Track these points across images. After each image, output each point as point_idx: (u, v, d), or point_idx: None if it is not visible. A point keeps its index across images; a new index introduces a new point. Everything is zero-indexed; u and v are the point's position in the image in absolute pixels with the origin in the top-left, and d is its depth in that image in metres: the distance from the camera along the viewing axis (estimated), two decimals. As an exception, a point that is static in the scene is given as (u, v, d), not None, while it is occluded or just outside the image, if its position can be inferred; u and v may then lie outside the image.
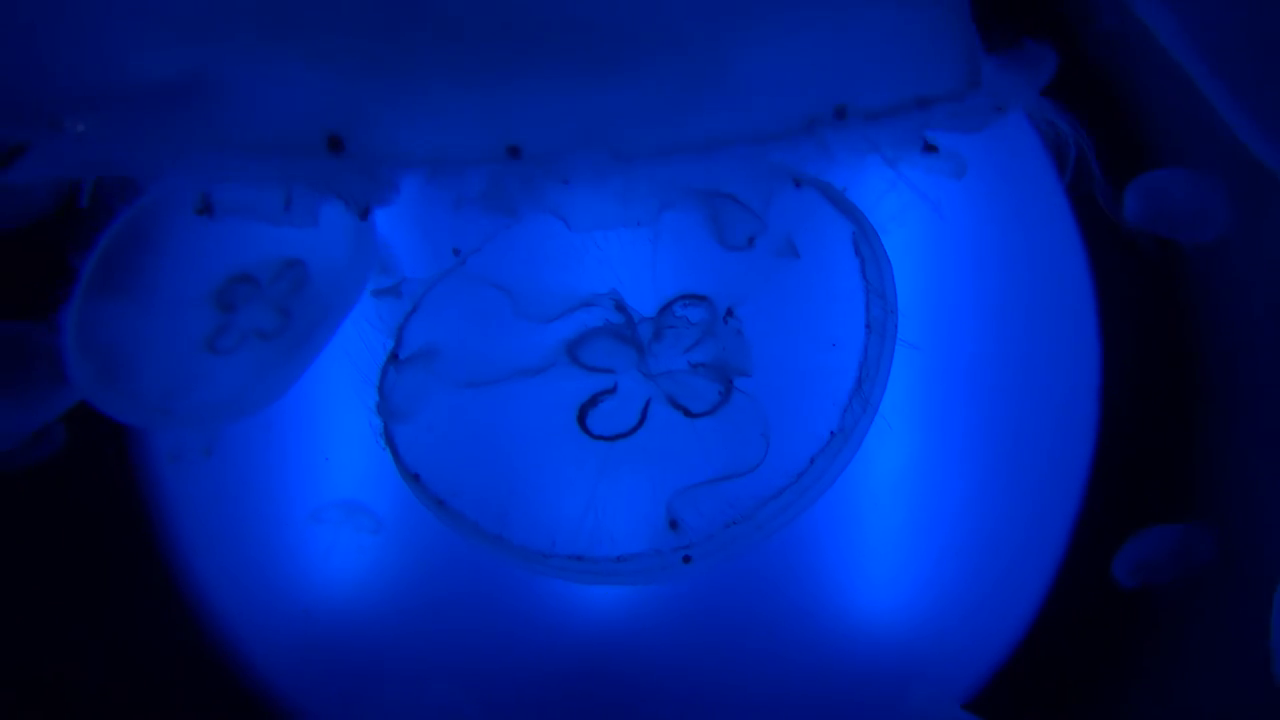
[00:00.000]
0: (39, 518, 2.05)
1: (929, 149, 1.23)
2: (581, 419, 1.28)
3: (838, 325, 1.27)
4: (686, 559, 1.19)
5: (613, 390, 1.29)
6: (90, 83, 1.07)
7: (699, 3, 1.13)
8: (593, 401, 1.29)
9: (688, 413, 1.28)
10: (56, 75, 1.07)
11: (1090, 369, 2.02)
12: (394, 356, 1.28)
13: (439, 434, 1.25)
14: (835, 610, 2.11)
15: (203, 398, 1.67)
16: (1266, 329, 1.79)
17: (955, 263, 2.01)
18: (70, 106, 1.07)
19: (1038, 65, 1.72)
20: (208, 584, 2.14)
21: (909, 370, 1.65)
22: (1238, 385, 1.95)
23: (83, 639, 2.09)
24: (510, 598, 2.13)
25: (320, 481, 2.16)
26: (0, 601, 2.01)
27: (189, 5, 1.07)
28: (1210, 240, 1.72)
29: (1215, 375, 2.00)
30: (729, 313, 1.27)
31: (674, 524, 1.20)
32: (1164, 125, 1.94)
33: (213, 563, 2.14)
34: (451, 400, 1.26)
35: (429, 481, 1.23)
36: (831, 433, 1.24)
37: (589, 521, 1.22)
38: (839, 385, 1.25)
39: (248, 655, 2.14)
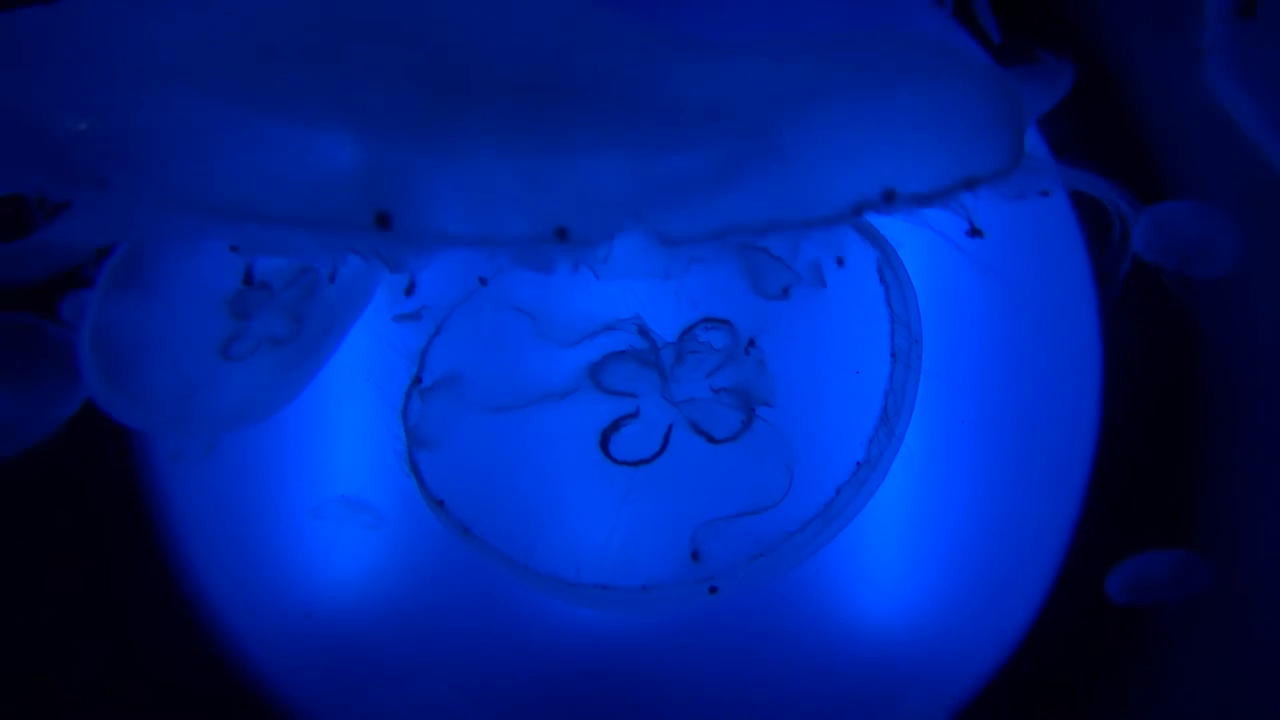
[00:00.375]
0: (40, 516, 2.03)
1: (975, 233, 1.22)
2: (604, 444, 1.28)
3: (862, 353, 1.27)
4: (713, 590, 1.20)
5: (635, 415, 1.29)
6: (146, 157, 1.06)
7: (751, 89, 1.12)
8: (615, 426, 1.28)
9: (710, 439, 1.27)
10: (116, 147, 1.05)
11: (1092, 384, 2.03)
12: (417, 380, 1.27)
13: (463, 459, 1.25)
14: (835, 613, 2.12)
15: (215, 404, 1.66)
16: (1272, 359, 1.79)
17: (959, 281, 2.01)
18: (126, 182, 1.05)
19: (1055, 80, 1.72)
20: (208, 582, 2.13)
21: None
22: (1240, 413, 1.96)
23: (83, 637, 2.08)
24: (509, 598, 2.13)
25: (322, 479, 2.15)
26: (1, 599, 2.00)
27: (246, 82, 1.06)
28: (1219, 275, 1.71)
29: (1218, 401, 2.00)
30: (751, 343, 1.26)
31: (697, 556, 1.20)
32: (1178, 156, 1.94)
33: (213, 561, 2.13)
34: (475, 425, 1.26)
35: (454, 508, 1.23)
36: (858, 463, 1.24)
37: (614, 550, 1.22)
38: (865, 415, 1.25)
39: (247, 653, 2.14)
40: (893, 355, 1.25)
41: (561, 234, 1.06)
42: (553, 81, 1.08)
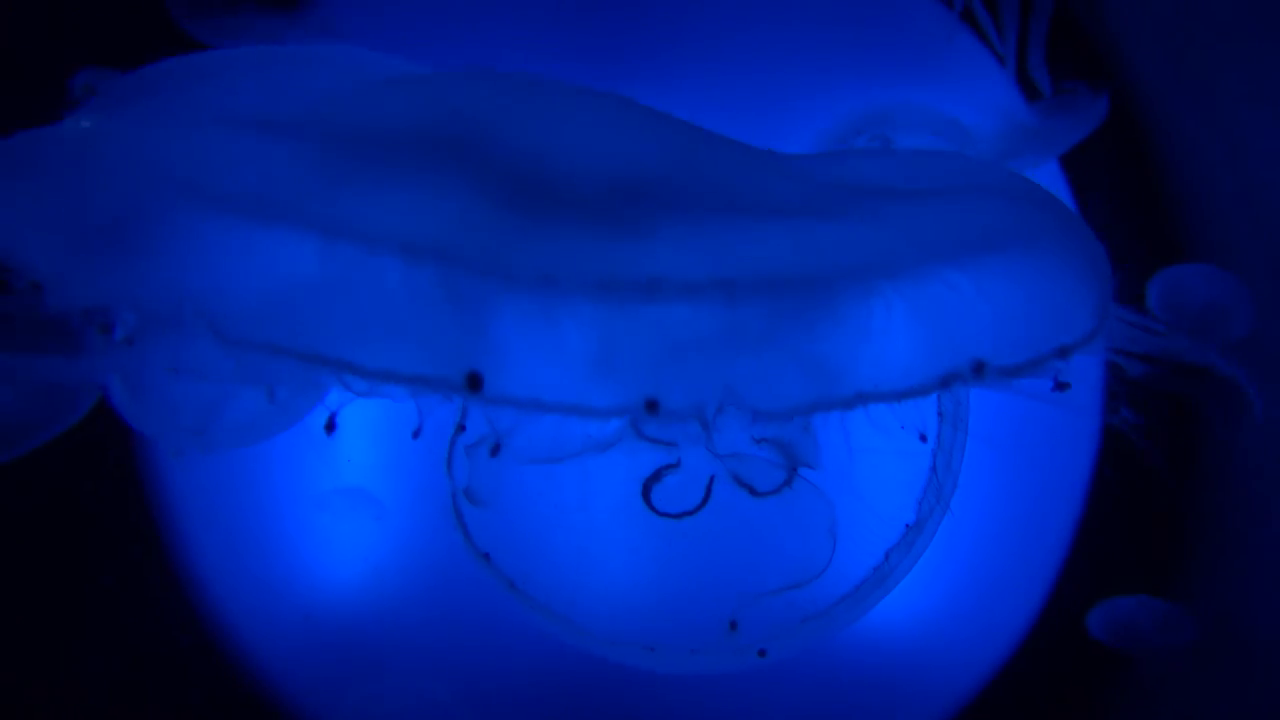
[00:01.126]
0: (41, 516, 2.01)
1: (1060, 386, 1.20)
2: (646, 495, 1.26)
3: (908, 411, 1.25)
4: (761, 653, 1.19)
5: (677, 465, 1.27)
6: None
7: (848, 257, 1.08)
8: (657, 476, 1.26)
9: (753, 491, 1.26)
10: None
11: (1092, 421, 2.03)
12: (460, 429, 1.25)
13: (507, 512, 1.23)
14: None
15: (234, 415, 1.63)
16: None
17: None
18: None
19: (1087, 111, 1.71)
20: (208, 581, 2.11)
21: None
22: (1242, 465, 1.97)
23: (84, 637, 2.06)
24: (509, 600, 2.11)
25: (323, 479, 2.13)
26: (1, 599, 1.97)
27: (334, 215, 1.02)
28: (1233, 339, 1.70)
29: (1219, 450, 2.01)
30: None
31: (735, 625, 1.19)
32: (1201, 206, 1.93)
33: (214, 560, 2.11)
34: (519, 477, 1.24)
35: (499, 562, 1.21)
36: (907, 525, 1.23)
37: (661, 609, 1.21)
38: (912, 475, 1.24)
39: (247, 652, 2.13)
40: (940, 414, 1.24)
41: (651, 406, 1.03)
42: (650, 236, 1.05)
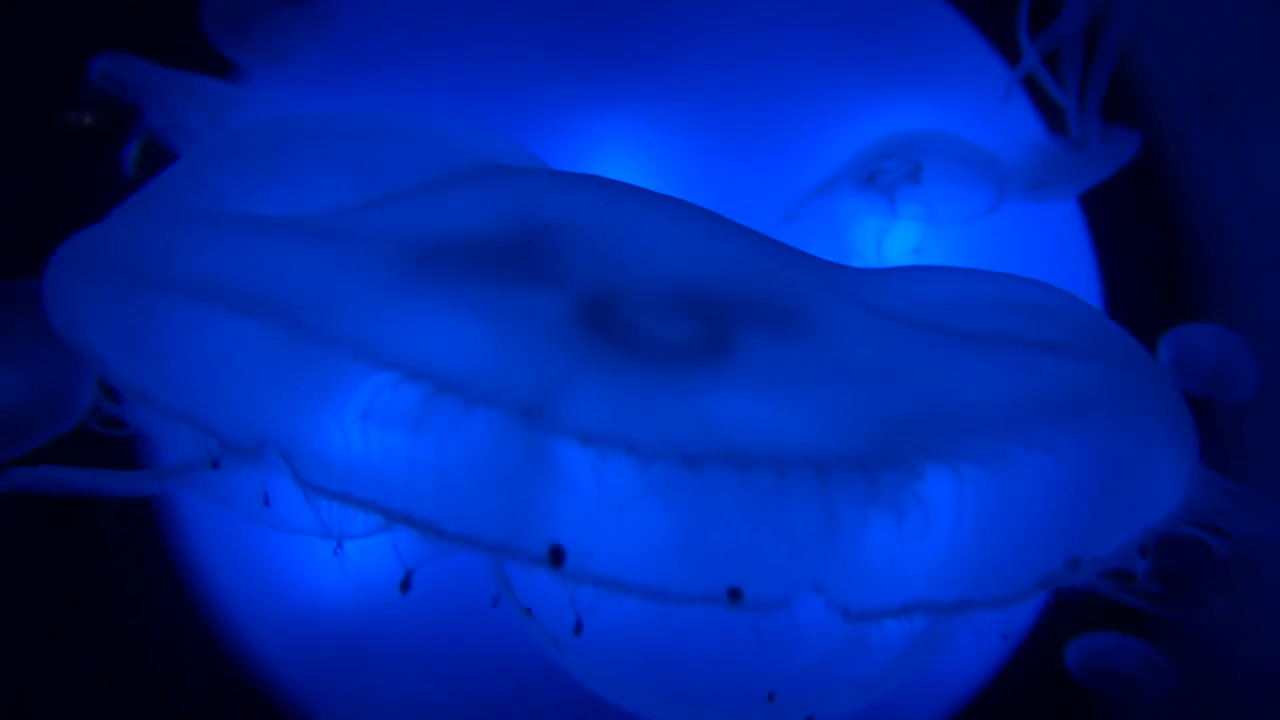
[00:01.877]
0: (41, 515, 1.98)
1: (1119, 575, 1.18)
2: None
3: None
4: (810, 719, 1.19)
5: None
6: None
7: (947, 441, 1.04)
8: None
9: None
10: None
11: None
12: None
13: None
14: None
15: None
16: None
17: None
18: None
19: (1117, 147, 1.70)
20: (209, 577, 2.10)
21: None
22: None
23: (85, 636, 2.05)
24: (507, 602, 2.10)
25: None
26: (1, 599, 1.96)
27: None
28: (1242, 400, 1.70)
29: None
30: None
31: (772, 697, 1.19)
32: (1216, 278, 1.92)
33: (214, 556, 2.10)
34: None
35: (541, 619, 1.20)
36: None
37: (702, 673, 1.21)
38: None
39: (249, 652, 2.12)
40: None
41: (735, 595, 1.01)
42: (733, 387, 1.03)
